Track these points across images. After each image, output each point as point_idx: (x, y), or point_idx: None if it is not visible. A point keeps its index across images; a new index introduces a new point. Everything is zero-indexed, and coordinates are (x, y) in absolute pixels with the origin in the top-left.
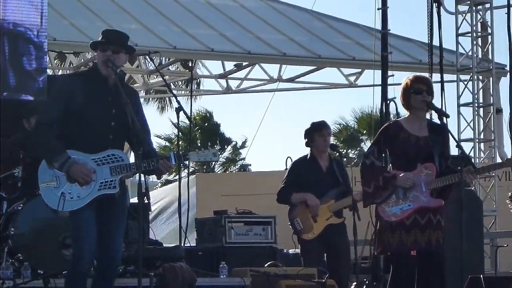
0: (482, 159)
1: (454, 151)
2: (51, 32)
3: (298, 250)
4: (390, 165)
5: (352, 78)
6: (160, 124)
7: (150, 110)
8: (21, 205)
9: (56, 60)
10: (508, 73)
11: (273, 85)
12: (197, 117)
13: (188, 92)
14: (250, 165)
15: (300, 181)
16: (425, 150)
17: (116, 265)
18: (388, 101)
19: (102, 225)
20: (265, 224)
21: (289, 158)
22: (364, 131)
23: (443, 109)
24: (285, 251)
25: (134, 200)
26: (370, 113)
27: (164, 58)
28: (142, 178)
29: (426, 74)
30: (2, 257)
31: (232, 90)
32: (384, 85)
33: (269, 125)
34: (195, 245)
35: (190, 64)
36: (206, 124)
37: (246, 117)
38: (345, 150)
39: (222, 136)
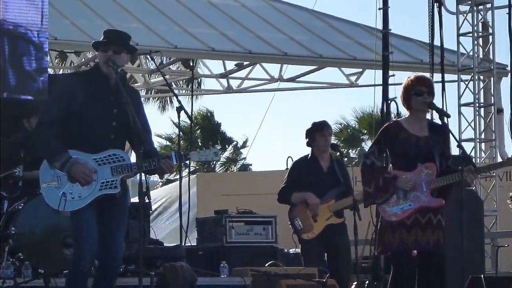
0: (483, 159)
1: (455, 151)
2: (52, 31)
3: (298, 250)
4: (391, 165)
5: (353, 78)
6: (161, 123)
7: (150, 110)
8: (22, 204)
9: (57, 60)
10: (509, 73)
11: (274, 85)
12: (198, 117)
13: (189, 91)
14: (251, 164)
15: (300, 181)
16: (425, 150)
17: (117, 265)
18: (389, 101)
19: (103, 225)
20: (265, 224)
21: (289, 158)
22: (365, 131)
23: (444, 109)
24: (285, 250)
25: (135, 199)
26: (371, 113)
27: (165, 57)
28: (143, 178)
29: (427, 74)
30: (2, 256)
31: (233, 89)
32: (385, 85)
33: (270, 125)
34: (195, 244)
35: (191, 64)
36: (207, 123)
37: (247, 117)
38: (345, 150)
39: (223, 135)
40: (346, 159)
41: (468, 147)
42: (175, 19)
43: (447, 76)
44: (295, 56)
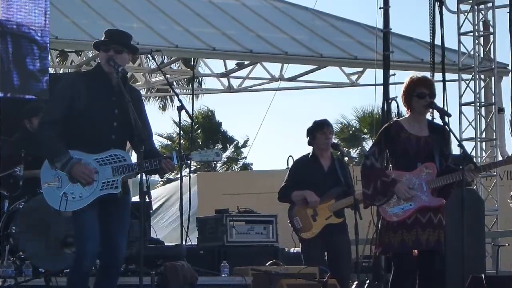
0: (483, 158)
1: (455, 150)
2: (53, 31)
3: (299, 249)
4: (391, 164)
5: (353, 77)
6: (162, 122)
7: (151, 109)
8: (23, 203)
9: (58, 59)
10: (510, 72)
11: (275, 84)
12: (198, 116)
13: (189, 90)
14: (251, 164)
15: (301, 180)
16: (425, 150)
17: (119, 264)
18: (390, 100)
19: (105, 224)
20: (266, 223)
21: (290, 157)
22: (366, 130)
23: (445, 108)
24: (286, 250)
25: (136, 198)
26: (371, 112)
27: (166, 56)
28: (144, 177)
29: (428, 73)
30: (3, 256)
31: (234, 89)
32: (386, 84)
33: (271, 124)
34: (196, 244)
35: (192, 63)
36: (207, 123)
37: (248, 116)
38: (346, 149)
39: (224, 135)
40: (347, 158)
41: (469, 146)
42: (176, 18)
43: (448, 76)
44: (296, 55)
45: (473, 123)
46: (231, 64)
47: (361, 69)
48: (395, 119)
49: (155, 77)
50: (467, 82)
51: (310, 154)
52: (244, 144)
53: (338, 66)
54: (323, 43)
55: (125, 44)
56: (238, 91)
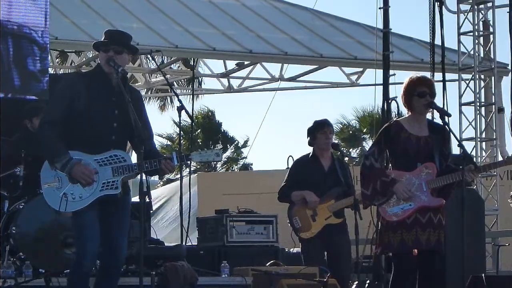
0: (483, 158)
1: (455, 150)
2: (52, 31)
3: (299, 249)
4: (390, 164)
5: (353, 77)
6: (162, 123)
7: (151, 109)
8: (23, 204)
9: (57, 59)
10: (510, 72)
11: (275, 84)
12: (198, 116)
13: (189, 91)
14: (251, 164)
15: (301, 180)
16: (425, 150)
17: (119, 265)
18: (390, 100)
19: (106, 225)
20: (266, 223)
21: (290, 157)
22: (366, 130)
23: (445, 108)
24: (286, 250)
25: (136, 199)
26: (371, 112)
27: (165, 57)
28: (144, 178)
29: (428, 73)
30: (3, 256)
31: (234, 89)
32: (386, 84)
33: (271, 124)
34: (196, 244)
35: (191, 63)
36: (207, 123)
37: (248, 116)
38: (346, 150)
39: (224, 135)
40: (347, 158)
41: (469, 146)
42: (176, 18)
43: (448, 75)
44: (295, 55)
45: (473, 123)
46: (231, 64)
47: (361, 69)
48: (395, 119)
49: (155, 78)
50: (467, 82)
51: (310, 154)
52: (244, 144)
53: (338, 66)
54: (323, 43)
55: (125, 44)
56: (238, 91)
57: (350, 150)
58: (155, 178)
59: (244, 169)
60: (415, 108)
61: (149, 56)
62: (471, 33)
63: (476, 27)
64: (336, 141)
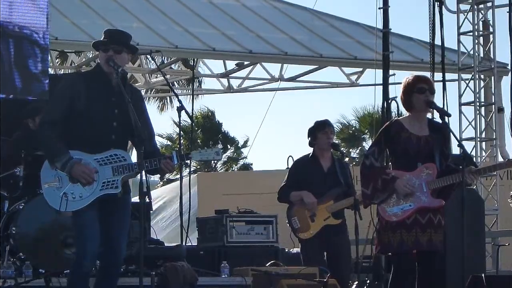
0: (483, 158)
1: (455, 150)
2: (52, 31)
3: (299, 249)
4: (390, 164)
5: (353, 77)
6: (161, 123)
7: (151, 109)
8: (23, 204)
9: (57, 59)
10: (510, 72)
11: (275, 84)
12: (198, 116)
13: (189, 91)
14: (251, 164)
15: (301, 180)
16: (426, 150)
17: (119, 265)
18: (390, 100)
19: (106, 224)
20: (266, 224)
21: (290, 157)
22: (366, 130)
23: (445, 108)
24: (286, 250)
25: (136, 199)
26: (371, 112)
27: (165, 57)
28: (144, 178)
29: (428, 73)
30: (3, 256)
31: (234, 89)
32: (386, 84)
33: (271, 124)
34: (196, 244)
35: (191, 63)
36: (207, 123)
37: (248, 116)
38: (346, 150)
39: (224, 135)
40: (347, 158)
41: (468, 146)
42: (176, 19)
43: (448, 75)
44: (295, 55)
45: (473, 123)
46: (231, 64)
47: (361, 69)
48: (395, 118)
49: (155, 78)
50: (467, 82)
51: (311, 155)
52: (244, 144)
53: (338, 66)
54: (323, 43)
55: (124, 44)
56: (238, 91)
57: (350, 150)
58: (155, 178)
59: (244, 169)
60: (415, 105)
61: (149, 56)
62: (471, 33)
63: (476, 27)
64: (336, 141)
